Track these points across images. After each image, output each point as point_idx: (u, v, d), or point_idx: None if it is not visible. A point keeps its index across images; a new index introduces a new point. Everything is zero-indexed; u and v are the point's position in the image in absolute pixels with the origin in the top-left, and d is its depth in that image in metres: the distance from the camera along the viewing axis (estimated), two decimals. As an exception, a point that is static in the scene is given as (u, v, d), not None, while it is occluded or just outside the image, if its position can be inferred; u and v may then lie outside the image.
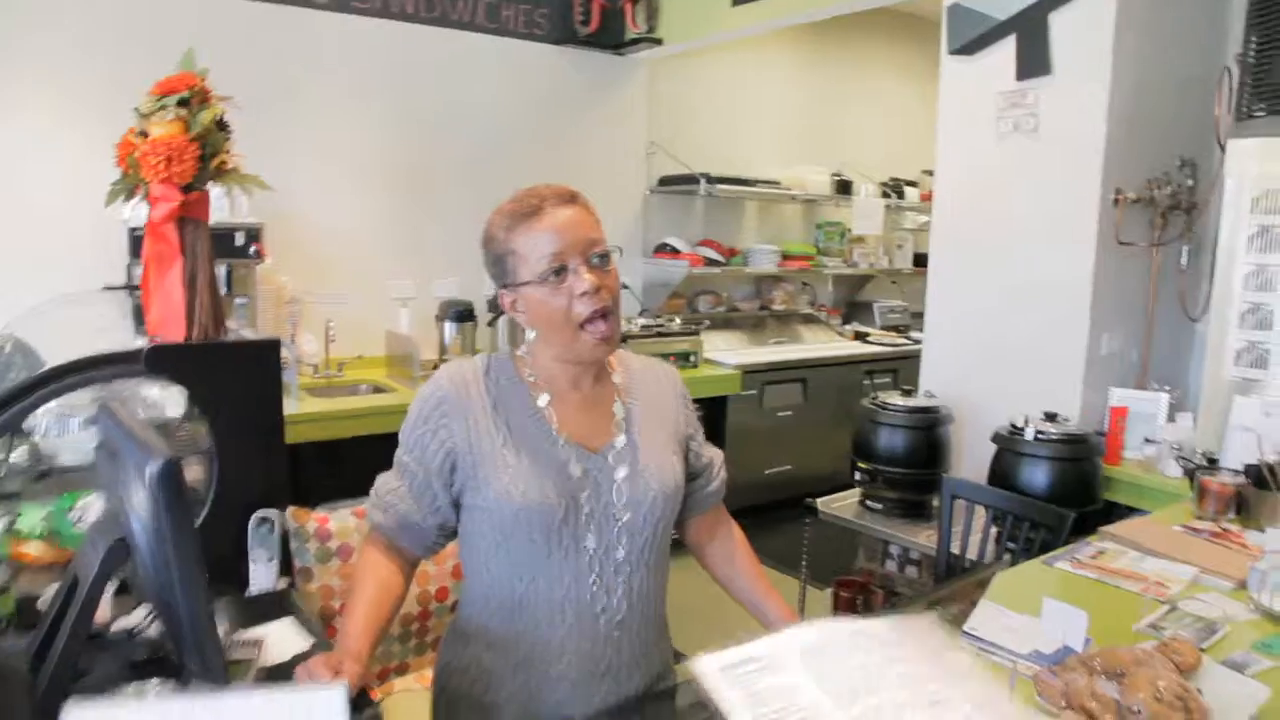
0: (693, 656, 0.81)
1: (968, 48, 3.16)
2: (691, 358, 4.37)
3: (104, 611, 1.36)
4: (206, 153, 1.70)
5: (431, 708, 1.48)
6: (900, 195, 5.42)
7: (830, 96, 5.62)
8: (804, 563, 3.18)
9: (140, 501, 1.07)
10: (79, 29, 3.31)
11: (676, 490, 1.45)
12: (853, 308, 5.79)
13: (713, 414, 4.41)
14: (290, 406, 3.33)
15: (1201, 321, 3.15)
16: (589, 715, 1.36)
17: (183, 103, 1.68)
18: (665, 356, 4.25)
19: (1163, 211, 3.01)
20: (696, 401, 4.31)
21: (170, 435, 2.07)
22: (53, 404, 1.84)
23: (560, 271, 1.32)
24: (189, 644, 1.10)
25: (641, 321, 4.42)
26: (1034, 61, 2.97)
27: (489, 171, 4.31)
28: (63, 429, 1.81)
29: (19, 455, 1.95)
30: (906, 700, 0.83)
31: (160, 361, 1.65)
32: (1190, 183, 3.08)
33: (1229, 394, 2.69)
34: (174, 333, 1.73)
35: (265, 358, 1.74)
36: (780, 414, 4.64)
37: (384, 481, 1.43)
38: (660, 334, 4.29)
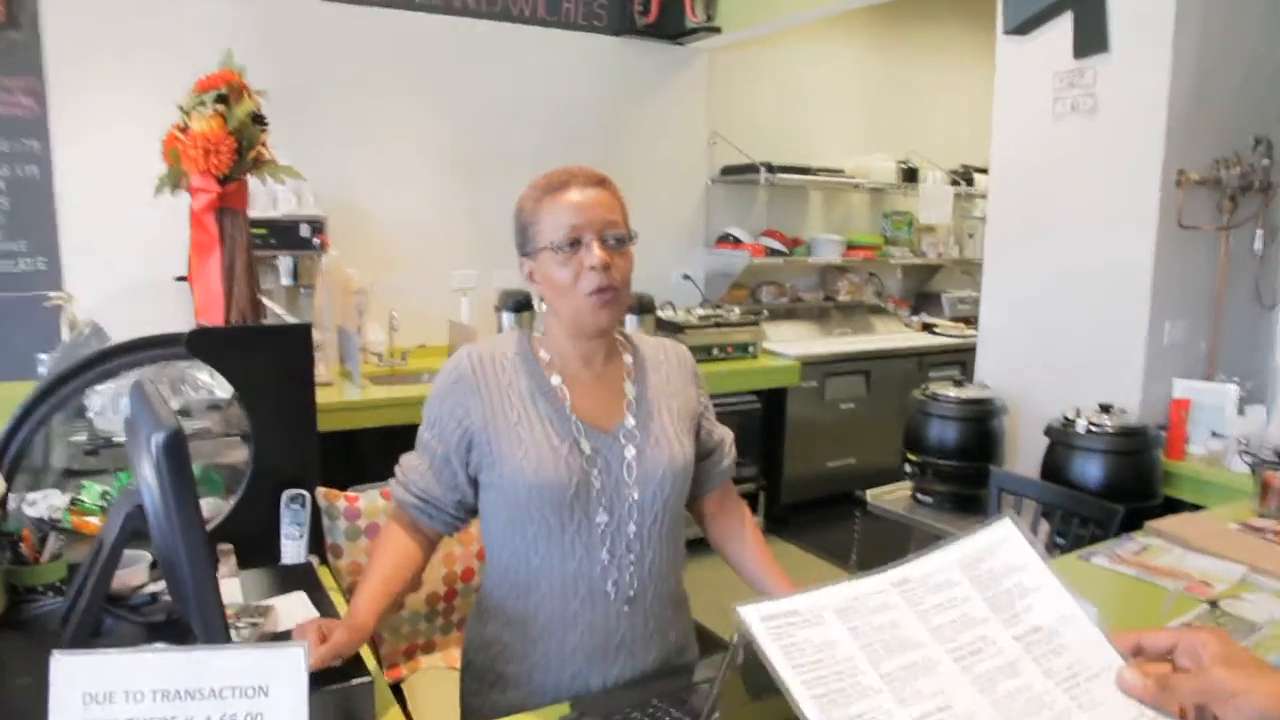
0: (737, 603, 0.85)
1: (1023, 27, 3.07)
2: (750, 348, 4.35)
3: (138, 576, 1.45)
4: (243, 145, 1.78)
5: (460, 682, 1.53)
6: (970, 182, 5.28)
7: (895, 82, 5.50)
8: (854, 556, 3.16)
9: (148, 471, 1.14)
10: (154, 23, 3.47)
11: (686, 468, 1.48)
12: (921, 298, 5.67)
13: (772, 406, 4.38)
14: (353, 394, 3.47)
15: (1278, 310, 3.00)
16: (607, 688, 1.40)
17: (221, 99, 1.77)
18: (723, 347, 4.26)
19: (1231, 194, 2.87)
20: (754, 393, 4.34)
21: (220, 415, 2.18)
22: (109, 385, 1.96)
23: (575, 244, 1.37)
24: (193, 606, 1.16)
25: (700, 311, 4.41)
26: (1091, 39, 2.87)
27: (550, 163, 4.20)
28: (116, 408, 1.93)
29: (80, 434, 2.09)
30: (942, 656, 0.84)
31: (200, 345, 1.73)
32: (1266, 162, 2.93)
33: (1300, 386, 2.56)
34: (215, 318, 1.81)
35: (297, 342, 1.82)
36: (842, 406, 4.58)
37: (407, 459, 1.49)
38: (718, 324, 4.28)
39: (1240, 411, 2.76)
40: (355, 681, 1.21)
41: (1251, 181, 2.89)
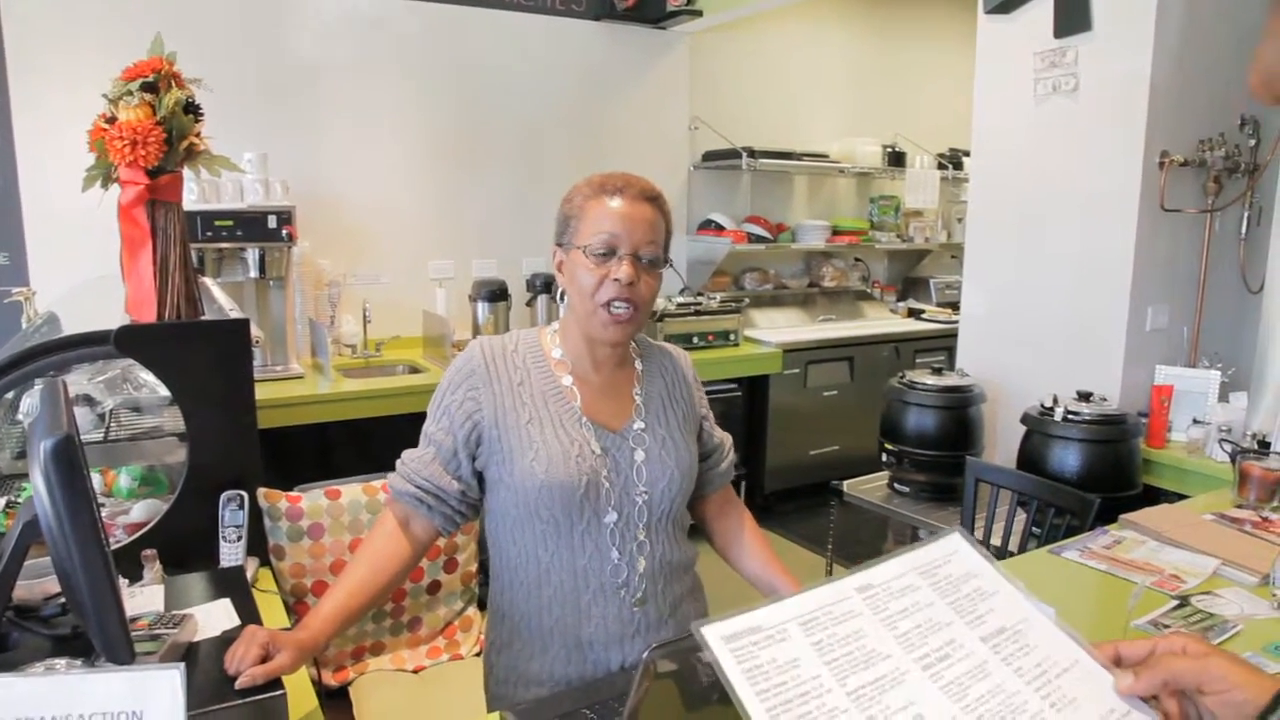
0: (696, 622, 0.82)
1: (1004, 6, 2.96)
2: (732, 336, 4.29)
3: (52, 585, 1.40)
4: (173, 136, 1.72)
5: (484, 688, 1.53)
6: (958, 166, 5.20)
7: (881, 65, 5.41)
8: (829, 545, 3.10)
9: (38, 479, 1.08)
10: (117, 14, 3.39)
11: (691, 469, 1.51)
12: (909, 284, 5.60)
13: (754, 394, 4.33)
14: (324, 386, 3.42)
15: (1264, 294, 2.92)
16: (625, 668, 1.42)
17: (149, 87, 1.70)
18: (704, 335, 4.20)
19: (1216, 175, 2.80)
20: (735, 381, 4.28)
21: (170, 414, 2.12)
22: (40, 385, 1.90)
23: (609, 253, 1.37)
24: (92, 622, 1.11)
25: (679, 299, 4.35)
26: (1073, 18, 2.79)
27: (529, 151, 4.30)
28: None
29: (17, 437, 2.03)
30: (910, 665, 0.83)
31: (129, 342, 1.67)
32: (1253, 142, 2.85)
33: (1283, 372, 2.49)
34: (147, 314, 1.75)
35: (234, 338, 1.76)
36: (825, 394, 4.52)
37: (409, 453, 1.47)
38: (698, 312, 4.22)
39: (1223, 398, 2.70)
40: (267, 695, 1.16)
41: (1237, 163, 2.82)
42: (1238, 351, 2.95)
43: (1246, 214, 2.90)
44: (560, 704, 1.30)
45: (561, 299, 1.47)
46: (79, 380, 2.06)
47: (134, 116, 1.68)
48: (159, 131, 1.69)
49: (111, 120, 1.71)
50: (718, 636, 0.80)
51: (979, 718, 0.79)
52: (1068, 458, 2.56)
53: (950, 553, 0.95)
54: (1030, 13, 2.92)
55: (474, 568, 2.03)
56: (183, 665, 0.87)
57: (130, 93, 1.68)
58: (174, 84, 1.72)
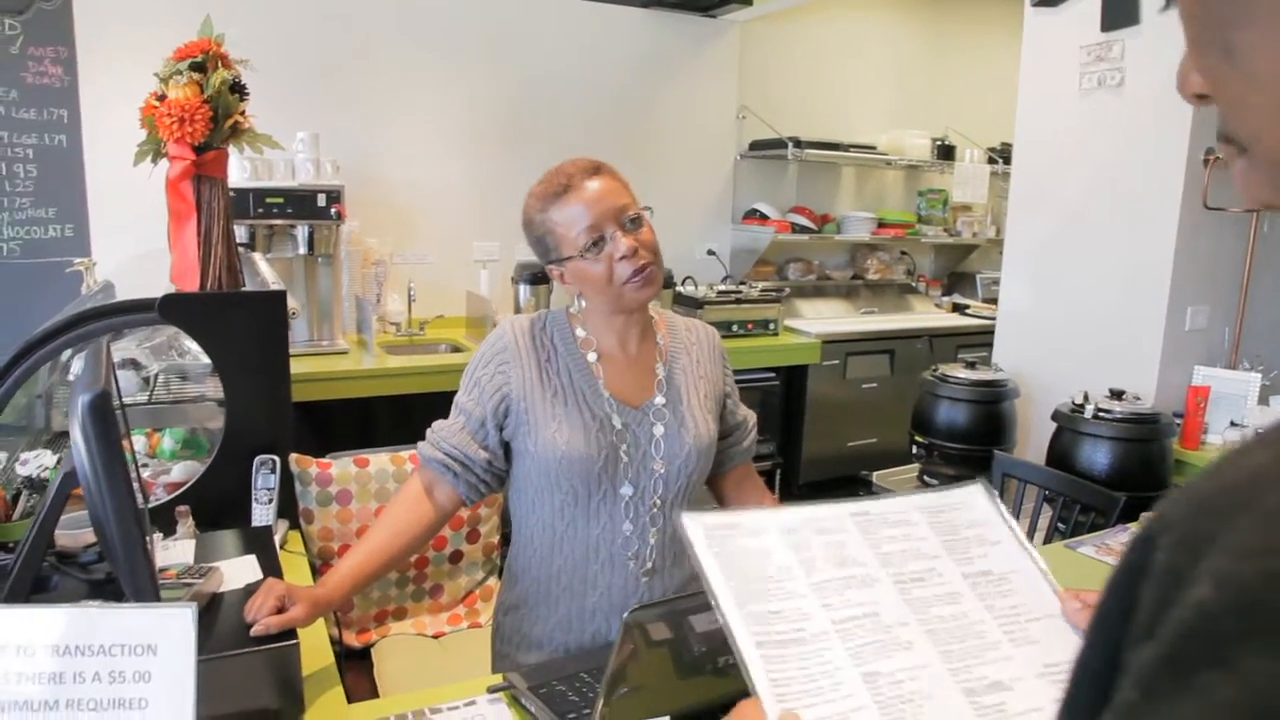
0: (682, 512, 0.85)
1: (1052, -2, 2.95)
2: (771, 325, 4.29)
3: (90, 534, 1.49)
4: (219, 114, 1.79)
5: (490, 646, 1.59)
6: (1008, 161, 5.09)
7: (932, 57, 5.35)
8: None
9: (76, 433, 1.16)
10: None
11: (710, 446, 1.53)
12: (955, 279, 5.53)
13: (792, 383, 4.33)
14: (367, 362, 3.52)
15: (1310, 296, 2.86)
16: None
17: (197, 67, 1.78)
18: (743, 324, 4.21)
19: (1264, 174, 2.73)
20: (774, 370, 4.28)
21: (215, 381, 2.21)
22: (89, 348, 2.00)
23: (599, 242, 1.40)
24: (122, 567, 1.18)
25: (720, 287, 4.37)
26: (1121, 11, 2.75)
27: (576, 135, 4.34)
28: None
29: (63, 397, 2.14)
30: (882, 576, 0.84)
31: (172, 310, 1.76)
32: (1304, 142, 2.78)
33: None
34: (190, 284, 1.84)
35: (271, 309, 1.83)
36: (865, 386, 4.50)
37: (439, 423, 1.53)
38: (738, 300, 4.23)
39: (1264, 401, 2.65)
40: (281, 644, 1.23)
41: (1285, 161, 2.75)
42: (1281, 354, 2.89)
43: (1295, 214, 2.83)
44: (562, 668, 1.35)
45: (579, 298, 1.51)
46: (128, 346, 2.17)
47: (182, 95, 1.76)
48: (205, 109, 1.77)
49: (162, 98, 1.79)
50: (698, 524, 0.84)
51: (932, 630, 0.80)
52: (1097, 455, 2.54)
53: (963, 501, 0.95)
54: (1078, 6, 2.88)
55: (496, 539, 2.09)
56: (195, 605, 0.94)
57: (180, 72, 1.77)
58: (221, 64, 1.80)
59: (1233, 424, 2.64)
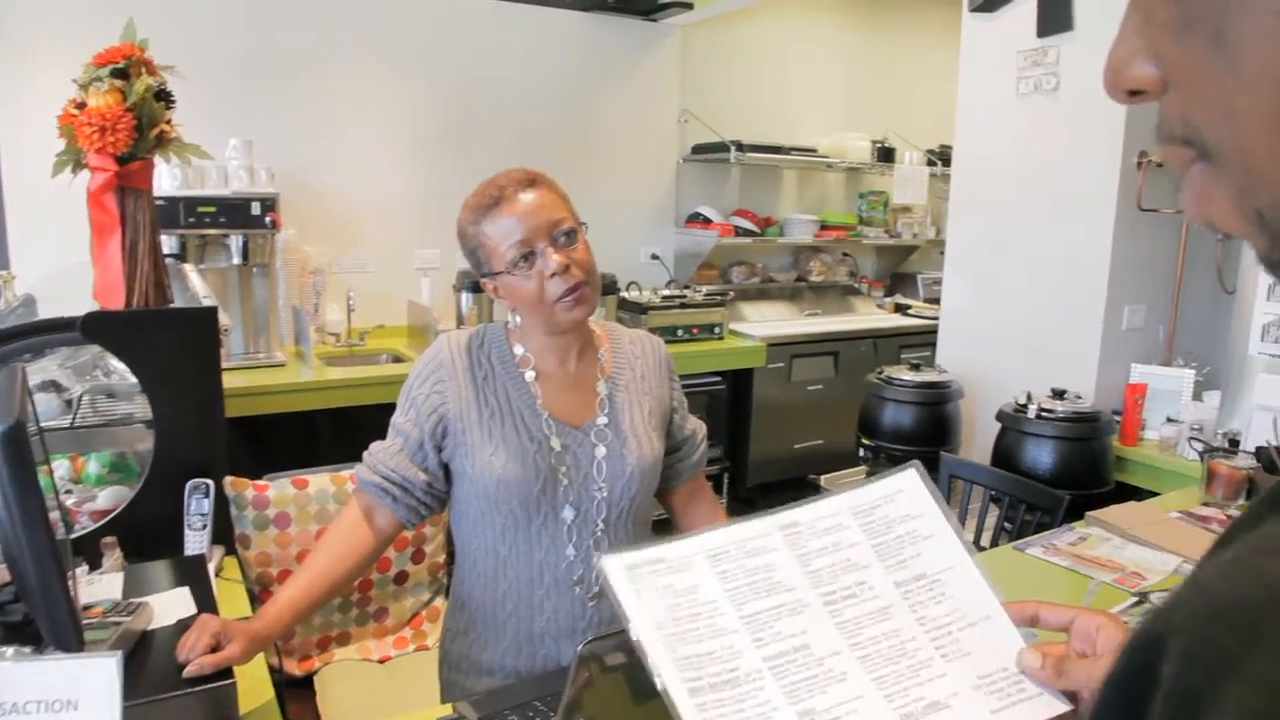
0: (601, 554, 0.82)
1: (988, 4, 2.99)
2: (716, 329, 4.29)
3: (4, 573, 1.40)
4: (144, 123, 1.71)
5: (439, 673, 1.54)
6: (947, 163, 5.15)
7: (873, 60, 5.41)
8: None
9: (-12, 467, 1.08)
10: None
11: (654, 466, 1.49)
12: (896, 280, 5.60)
13: (738, 387, 4.33)
14: (305, 374, 3.42)
15: (1237, 295, 2.93)
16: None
17: (119, 73, 1.70)
18: (688, 328, 4.20)
19: (1194, 176, 2.80)
20: (719, 374, 4.27)
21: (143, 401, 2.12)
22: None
23: (529, 256, 1.36)
24: (40, 609, 1.11)
25: (664, 292, 4.35)
26: (1056, 17, 2.80)
27: (518, 140, 4.29)
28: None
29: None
30: (812, 599, 0.82)
31: (96, 330, 1.67)
32: (1232, 145, 2.86)
33: (1255, 372, 2.51)
34: (115, 301, 1.76)
35: (202, 327, 1.76)
36: (810, 388, 4.52)
37: (377, 444, 1.48)
38: (683, 305, 4.22)
39: (1197, 397, 2.71)
40: (216, 685, 1.17)
41: (1215, 163, 2.83)
42: (1212, 351, 2.96)
43: (1225, 215, 2.90)
44: (513, 695, 1.31)
45: (514, 314, 1.46)
46: (49, 366, 2.06)
47: (104, 103, 1.68)
48: (129, 118, 1.69)
49: (81, 106, 1.71)
50: (619, 565, 0.80)
51: (865, 655, 0.79)
52: (1041, 455, 2.57)
53: (897, 490, 0.93)
54: (1014, 11, 2.92)
55: (441, 559, 2.04)
56: (119, 654, 0.88)
57: (100, 79, 1.68)
58: (145, 71, 1.72)
59: (1169, 419, 2.70)
